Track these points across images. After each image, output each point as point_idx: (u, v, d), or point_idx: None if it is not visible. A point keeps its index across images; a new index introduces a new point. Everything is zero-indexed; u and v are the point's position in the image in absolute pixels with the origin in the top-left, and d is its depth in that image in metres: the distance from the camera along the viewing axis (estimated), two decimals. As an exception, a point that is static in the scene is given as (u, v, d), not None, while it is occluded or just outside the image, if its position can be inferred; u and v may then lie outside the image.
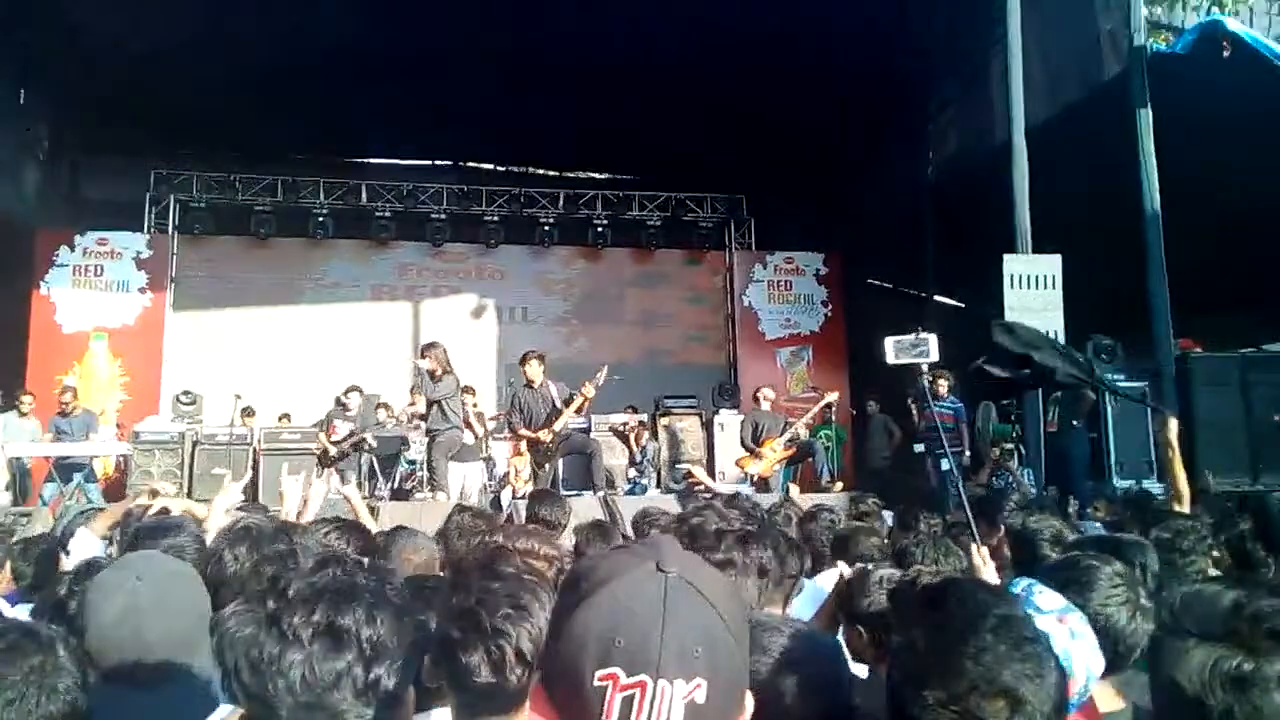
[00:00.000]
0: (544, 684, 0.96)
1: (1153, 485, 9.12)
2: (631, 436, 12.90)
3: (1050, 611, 1.64)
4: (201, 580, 2.09)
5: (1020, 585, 1.78)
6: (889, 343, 4.08)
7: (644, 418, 13.25)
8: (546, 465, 10.40)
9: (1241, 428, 9.52)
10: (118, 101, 13.17)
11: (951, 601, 1.34)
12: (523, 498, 11.11)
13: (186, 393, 13.39)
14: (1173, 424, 5.02)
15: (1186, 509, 5.38)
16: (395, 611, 1.20)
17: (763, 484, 11.12)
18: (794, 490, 9.43)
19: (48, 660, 1.39)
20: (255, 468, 11.73)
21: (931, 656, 1.23)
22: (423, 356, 10.04)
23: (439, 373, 9.89)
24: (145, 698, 1.67)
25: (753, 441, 11.43)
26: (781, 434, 11.28)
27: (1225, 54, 8.83)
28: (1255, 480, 9.36)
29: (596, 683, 0.90)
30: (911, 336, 4.03)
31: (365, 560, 1.28)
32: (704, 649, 0.92)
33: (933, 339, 3.98)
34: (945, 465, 10.11)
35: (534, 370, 10.26)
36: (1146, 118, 9.40)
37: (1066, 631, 1.61)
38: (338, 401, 11.73)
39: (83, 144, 15.05)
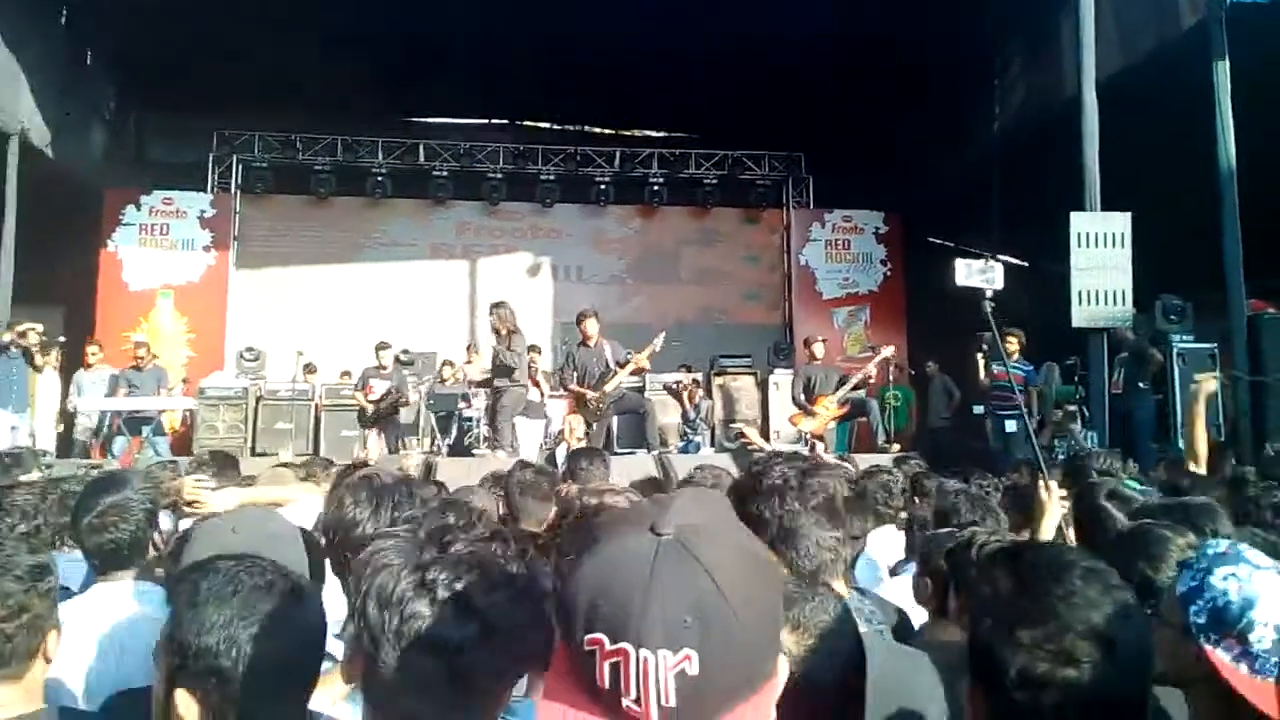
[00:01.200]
0: (562, 647, 0.93)
1: (1221, 450, 8.90)
2: (685, 395, 12.87)
3: (1266, 567, 1.56)
4: (303, 543, 2.10)
5: (1222, 544, 1.70)
6: (959, 264, 4.09)
7: (697, 376, 13.20)
8: (595, 425, 10.42)
9: (1315, 391, 9.23)
10: (181, 63, 13.32)
11: (1031, 554, 1.32)
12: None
13: (250, 349, 13.67)
14: (1207, 384, 4.98)
15: (1203, 470, 5.25)
16: (529, 615, 1.19)
17: (816, 443, 11.03)
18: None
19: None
20: (317, 423, 11.97)
21: (1023, 600, 1.23)
22: (491, 314, 10.07)
23: (504, 331, 9.95)
24: None
25: (804, 397, 11.29)
26: (836, 389, 11.13)
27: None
28: (1324, 446, 9.10)
29: (586, 646, 0.86)
30: (981, 261, 4.04)
31: (527, 550, 1.27)
32: (694, 618, 0.85)
33: (1000, 267, 3.99)
34: (1011, 427, 9.99)
35: (591, 327, 10.31)
36: (1224, 70, 9.04)
37: None
38: (378, 359, 11.69)
39: (148, 105, 15.31)
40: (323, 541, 2.25)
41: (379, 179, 15.64)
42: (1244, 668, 1.47)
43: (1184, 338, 9.61)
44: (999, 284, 3.98)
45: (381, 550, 1.19)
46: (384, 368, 11.54)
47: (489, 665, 1.16)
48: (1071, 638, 1.18)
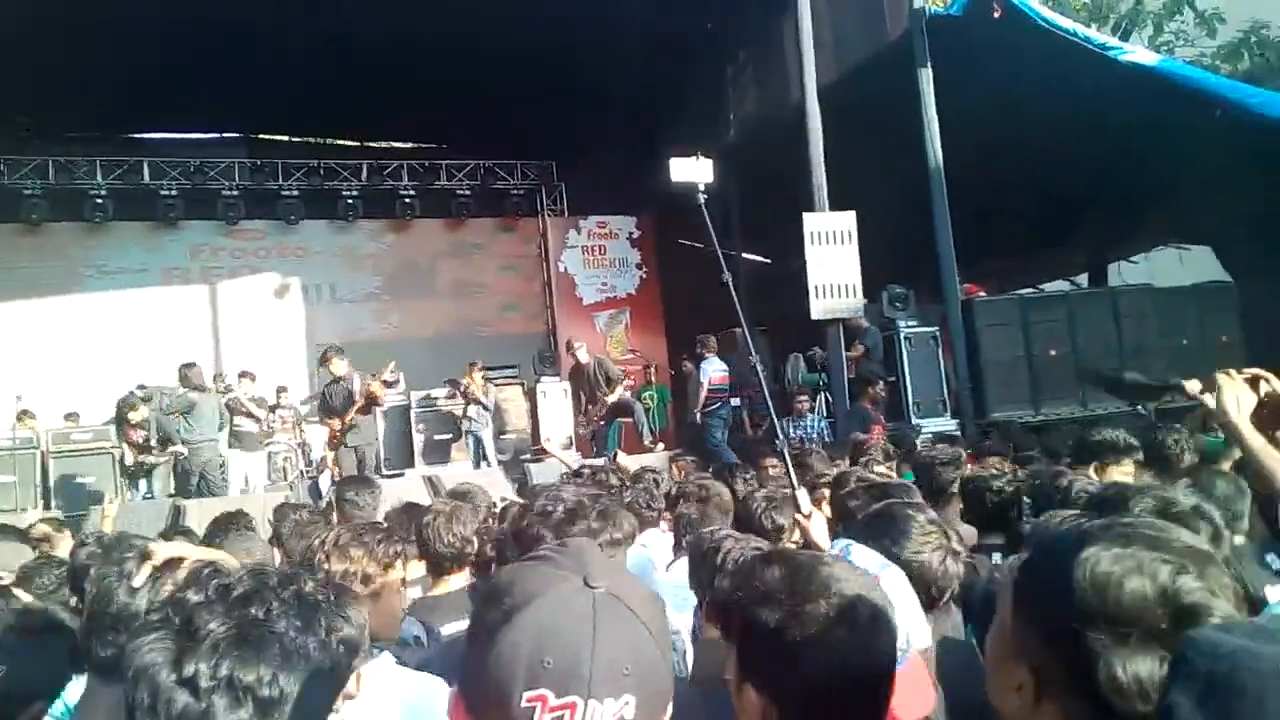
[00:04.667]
0: (465, 700, 0.94)
1: (945, 423, 9.79)
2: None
3: (866, 570, 1.67)
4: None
5: (839, 545, 1.83)
6: (673, 162, 4.45)
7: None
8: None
9: (1023, 364, 10.34)
10: None
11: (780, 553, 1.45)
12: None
13: (-43, 396, 12.23)
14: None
15: None
16: (309, 667, 1.17)
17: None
18: (621, 454, 9.55)
19: None
20: (44, 472, 10.90)
21: (795, 586, 1.31)
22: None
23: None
24: None
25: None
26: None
27: (996, 15, 9.45)
28: (1037, 411, 10.21)
29: (524, 704, 0.88)
30: (692, 159, 4.40)
31: (300, 594, 1.23)
32: (633, 665, 0.91)
33: (709, 162, 4.39)
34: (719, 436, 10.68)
35: (337, 366, 10.26)
36: (927, 76, 9.95)
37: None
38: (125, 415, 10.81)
39: None
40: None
41: (98, 201, 14.40)
42: None
43: (909, 322, 10.49)
44: (709, 178, 4.36)
45: (138, 651, 1.15)
46: (135, 411, 10.67)
47: None
48: (849, 608, 1.27)
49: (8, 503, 10.51)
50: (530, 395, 13.57)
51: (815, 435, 10.59)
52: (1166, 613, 0.98)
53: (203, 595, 1.21)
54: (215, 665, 1.13)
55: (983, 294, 11.44)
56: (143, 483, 10.51)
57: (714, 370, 11.58)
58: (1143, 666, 0.96)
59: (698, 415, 11.15)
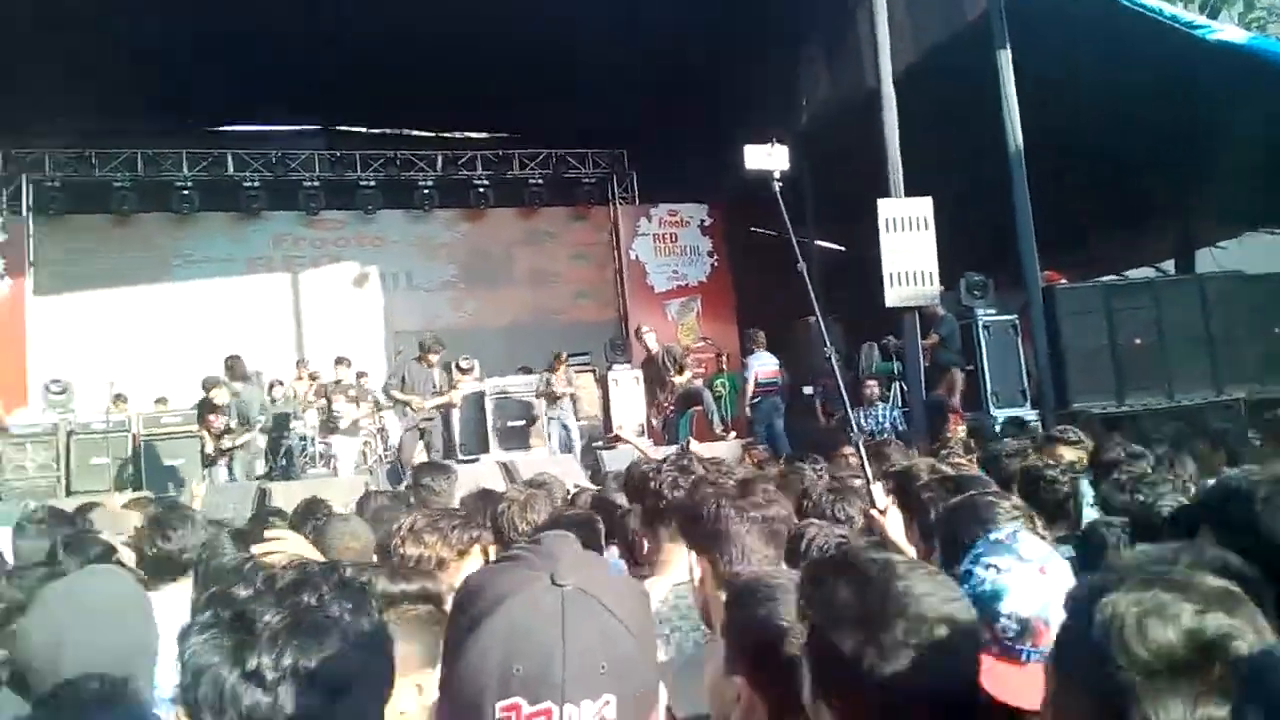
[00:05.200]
0: (443, 713, 0.91)
1: (1025, 414, 9.59)
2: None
3: (1031, 560, 1.63)
4: (145, 602, 1.98)
5: (1004, 531, 1.76)
6: (748, 150, 4.39)
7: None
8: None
9: (1107, 353, 10.06)
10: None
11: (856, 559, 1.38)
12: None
13: (56, 381, 12.76)
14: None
15: None
16: (368, 647, 1.17)
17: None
18: (693, 442, 9.57)
19: None
20: (137, 456, 11.31)
21: (869, 604, 1.27)
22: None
23: None
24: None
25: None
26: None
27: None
28: (1121, 402, 9.93)
29: (499, 715, 0.84)
30: (767, 146, 4.33)
31: (343, 580, 1.23)
32: (609, 662, 0.87)
33: (785, 149, 4.31)
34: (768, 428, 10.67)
35: (433, 359, 10.84)
36: (1007, 58, 9.70)
37: (1047, 583, 1.61)
38: (206, 394, 10.84)
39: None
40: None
41: (184, 193, 14.85)
42: (994, 651, 1.54)
43: (987, 310, 10.28)
44: (784, 165, 4.29)
45: (193, 653, 1.14)
46: (218, 404, 10.67)
47: (346, 716, 1.14)
48: (928, 627, 1.23)
49: (102, 484, 10.95)
50: (602, 383, 13.67)
51: (887, 425, 10.46)
52: (1194, 649, 0.96)
53: (251, 589, 1.21)
54: (278, 655, 1.12)
55: (1064, 281, 11.15)
56: (223, 469, 10.67)
57: (760, 364, 11.70)
58: (1175, 709, 0.94)
59: (746, 409, 11.26)
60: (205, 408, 10.70)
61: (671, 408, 11.77)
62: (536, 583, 0.89)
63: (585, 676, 0.85)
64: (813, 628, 1.32)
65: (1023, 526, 2.19)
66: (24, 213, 14.46)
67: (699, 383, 12.32)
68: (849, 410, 3.98)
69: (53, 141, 14.60)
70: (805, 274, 3.76)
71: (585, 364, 13.90)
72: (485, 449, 11.98)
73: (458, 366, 12.34)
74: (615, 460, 9.44)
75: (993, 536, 1.70)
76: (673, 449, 8.60)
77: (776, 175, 4.21)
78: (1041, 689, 1.14)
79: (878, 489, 2.78)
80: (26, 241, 14.36)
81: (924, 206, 9.48)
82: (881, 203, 9.49)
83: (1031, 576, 1.60)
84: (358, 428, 11.59)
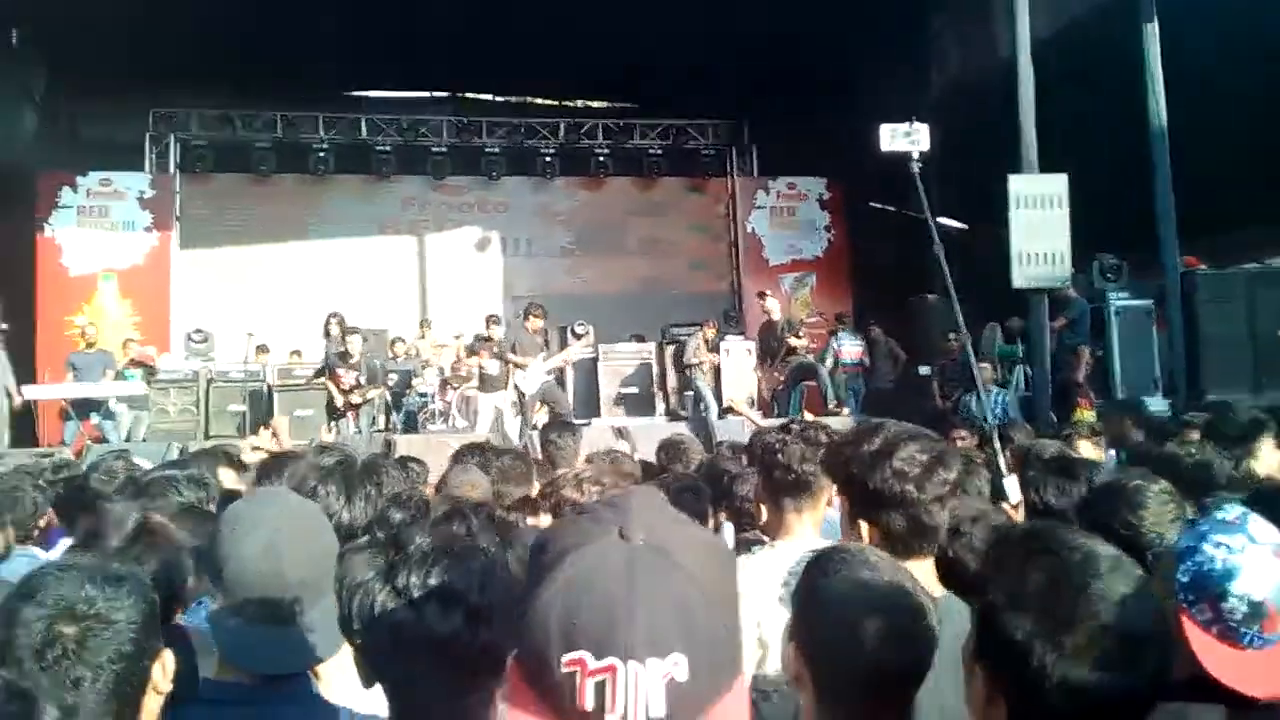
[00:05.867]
0: (518, 667, 0.88)
1: (1156, 402, 9.25)
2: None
3: (1264, 543, 1.56)
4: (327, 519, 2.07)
5: (1231, 511, 1.66)
6: (884, 129, 4.22)
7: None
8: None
9: (1246, 343, 9.61)
10: (113, 41, 12.96)
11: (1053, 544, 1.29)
12: (536, 427, 11.40)
13: (198, 331, 13.47)
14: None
15: None
16: (509, 579, 1.22)
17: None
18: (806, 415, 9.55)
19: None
20: (270, 405, 11.86)
21: (1061, 599, 1.21)
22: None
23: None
24: (277, 633, 1.67)
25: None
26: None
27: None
28: (1258, 394, 9.48)
29: (564, 669, 0.82)
30: (906, 125, 4.17)
31: (491, 516, 1.30)
32: (679, 620, 0.83)
33: (925, 128, 4.13)
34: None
35: (534, 323, 11.02)
36: (1153, 31, 9.31)
37: None
38: (345, 345, 11.10)
39: (80, 85, 14.83)
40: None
41: (321, 155, 15.44)
42: (1214, 631, 1.50)
43: (1121, 295, 9.93)
44: (925, 145, 4.11)
45: (349, 568, 1.22)
46: (351, 356, 10.92)
47: (484, 642, 1.19)
48: (1114, 639, 1.17)
49: (236, 430, 11.53)
50: (714, 353, 13.69)
51: (998, 411, 10.16)
52: None
53: (407, 514, 1.29)
54: (425, 575, 1.18)
55: (1204, 267, 10.67)
56: (349, 422, 10.93)
57: (842, 345, 12.19)
58: None
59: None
60: (338, 359, 10.87)
61: (784, 380, 11.76)
62: (604, 537, 0.87)
63: (652, 634, 0.82)
64: (989, 602, 1.25)
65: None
66: (171, 170, 15.25)
67: (811, 357, 12.23)
68: (981, 395, 3.89)
69: (199, 102, 15.35)
70: (942, 257, 3.69)
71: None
72: (597, 413, 12.18)
73: (573, 331, 12.67)
74: (727, 430, 9.50)
75: (1220, 516, 1.62)
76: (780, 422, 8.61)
77: (915, 156, 4.09)
78: (1270, 678, 1.09)
79: (1011, 482, 2.69)
80: (173, 197, 15.15)
81: (1058, 184, 9.17)
82: (1013, 179, 9.22)
83: (1266, 559, 1.53)
84: (504, 384, 11.81)
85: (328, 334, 11.50)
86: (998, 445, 2.86)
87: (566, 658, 0.81)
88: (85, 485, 4.10)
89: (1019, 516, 2.60)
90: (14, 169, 13.38)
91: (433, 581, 1.18)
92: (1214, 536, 1.57)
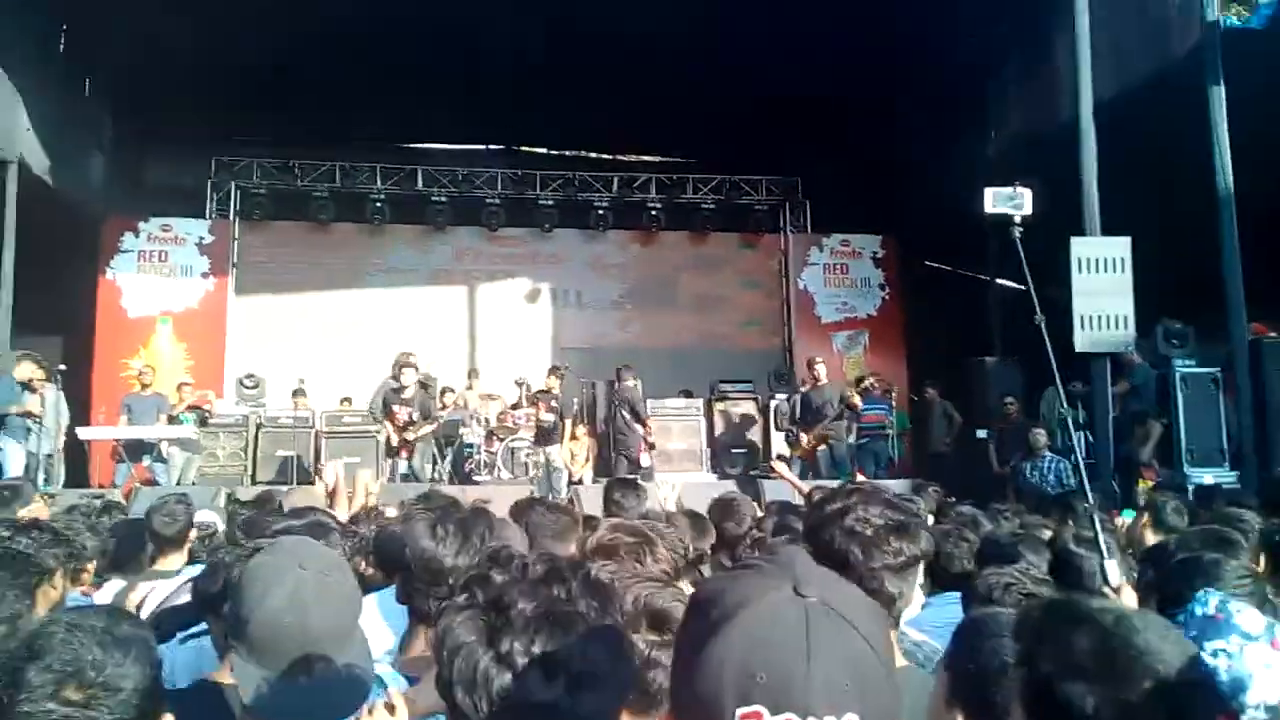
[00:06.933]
0: (680, 715, 0.91)
1: (1224, 474, 8.91)
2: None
3: (1258, 637, 1.46)
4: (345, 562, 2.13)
5: (1210, 603, 1.56)
6: (989, 192, 4.10)
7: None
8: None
9: (1317, 414, 9.24)
10: (179, 90, 13.36)
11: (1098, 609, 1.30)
12: (578, 482, 11.31)
13: (250, 376, 13.63)
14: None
15: None
16: (612, 646, 1.22)
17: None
18: (860, 475, 9.36)
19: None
20: (317, 451, 11.91)
21: (1111, 661, 1.22)
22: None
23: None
24: (303, 687, 1.69)
25: (799, 420, 11.65)
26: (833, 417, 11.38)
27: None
28: (1331, 468, 9.10)
29: None
30: (1010, 189, 4.06)
31: (588, 577, 1.30)
32: (853, 680, 0.85)
33: (1028, 193, 4.01)
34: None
35: (551, 382, 11.71)
36: (1219, 95, 9.12)
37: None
38: (399, 379, 10.85)
39: (145, 132, 15.28)
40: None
41: (378, 205, 15.67)
42: None
43: (1186, 362, 9.63)
44: (1027, 210, 4.02)
45: (451, 630, 1.21)
46: (404, 388, 10.68)
47: (587, 710, 1.18)
48: (1173, 691, 1.18)
49: (284, 475, 11.59)
50: (764, 411, 13.57)
51: (1051, 479, 9.88)
52: None
53: (507, 575, 1.26)
54: (529, 642, 1.17)
55: (1272, 334, 10.33)
56: (403, 462, 10.89)
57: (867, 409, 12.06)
58: None
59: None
60: (393, 395, 10.69)
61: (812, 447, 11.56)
62: (777, 592, 0.89)
63: (829, 691, 0.83)
64: (1039, 677, 1.25)
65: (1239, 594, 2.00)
66: (231, 216, 15.56)
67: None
68: (1092, 472, 3.67)
69: (260, 151, 15.68)
70: (1043, 327, 3.54)
71: (748, 392, 13.83)
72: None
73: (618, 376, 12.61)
74: (775, 490, 9.30)
75: (1199, 612, 1.49)
76: (835, 483, 8.41)
77: (1017, 220, 3.97)
78: None
79: (1112, 565, 2.55)
80: (231, 244, 15.44)
81: (1121, 247, 8.95)
82: (1075, 241, 9.02)
83: (1268, 655, 1.41)
84: (557, 438, 11.78)
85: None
86: (1099, 523, 2.69)
87: (741, 711, 0.83)
88: (147, 528, 4.16)
89: (1125, 600, 2.45)
90: (82, 214, 13.75)
91: (536, 649, 1.18)
92: (1208, 644, 1.43)
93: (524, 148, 17.17)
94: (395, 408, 10.62)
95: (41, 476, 9.73)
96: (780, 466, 10.53)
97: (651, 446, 11.99)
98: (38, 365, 10.09)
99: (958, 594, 2.92)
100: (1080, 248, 8.99)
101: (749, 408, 13.61)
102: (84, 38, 12.56)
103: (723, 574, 1.08)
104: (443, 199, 15.91)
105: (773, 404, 13.41)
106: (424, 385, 11.38)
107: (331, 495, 4.61)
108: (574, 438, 12.18)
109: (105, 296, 14.71)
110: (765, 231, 17.07)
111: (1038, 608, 1.51)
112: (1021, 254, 3.75)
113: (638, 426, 11.74)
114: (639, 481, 5.05)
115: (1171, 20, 10.04)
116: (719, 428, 13.36)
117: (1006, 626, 1.55)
